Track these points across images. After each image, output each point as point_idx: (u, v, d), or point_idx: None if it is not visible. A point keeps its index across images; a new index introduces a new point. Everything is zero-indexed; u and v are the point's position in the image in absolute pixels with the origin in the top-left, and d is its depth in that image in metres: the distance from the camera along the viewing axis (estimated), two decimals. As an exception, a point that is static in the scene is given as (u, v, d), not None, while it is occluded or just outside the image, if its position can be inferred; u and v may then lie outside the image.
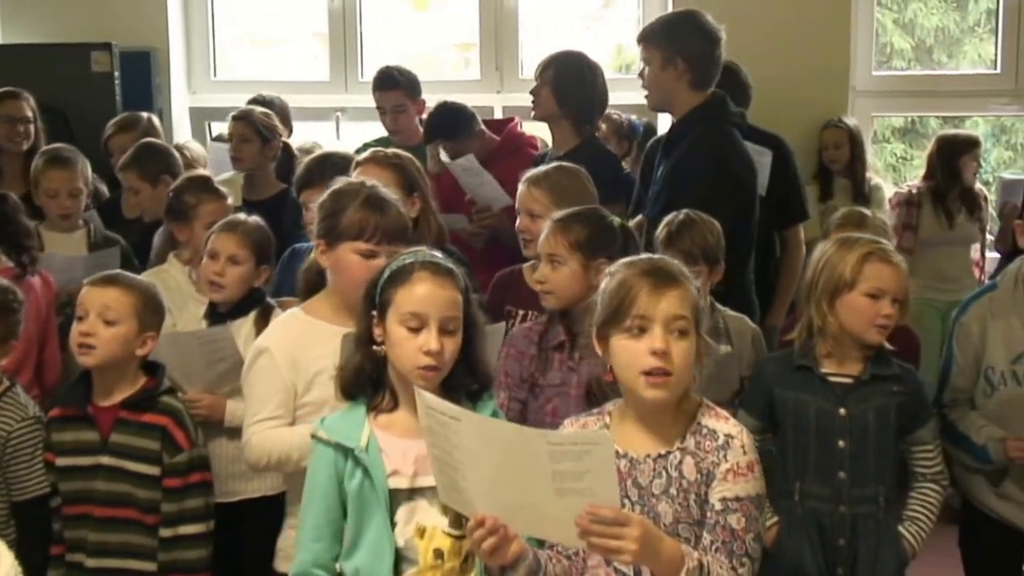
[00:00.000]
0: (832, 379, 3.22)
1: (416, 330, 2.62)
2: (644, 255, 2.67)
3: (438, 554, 2.59)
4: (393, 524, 2.63)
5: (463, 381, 2.75)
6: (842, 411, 3.19)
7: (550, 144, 5.24)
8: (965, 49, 9.22)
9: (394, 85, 5.79)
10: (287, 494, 3.26)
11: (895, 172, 9.72)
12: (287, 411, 3.11)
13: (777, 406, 3.23)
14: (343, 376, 2.76)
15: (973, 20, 9.01)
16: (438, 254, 2.77)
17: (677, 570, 2.31)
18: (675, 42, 4.41)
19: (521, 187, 3.99)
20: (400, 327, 2.64)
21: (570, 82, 4.98)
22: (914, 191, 6.32)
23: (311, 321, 3.18)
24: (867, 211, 3.93)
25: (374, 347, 2.70)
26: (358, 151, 4.79)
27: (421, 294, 2.64)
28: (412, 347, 2.62)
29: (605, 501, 2.20)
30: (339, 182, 3.28)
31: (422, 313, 2.62)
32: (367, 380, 2.73)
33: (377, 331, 2.69)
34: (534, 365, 3.33)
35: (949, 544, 3.83)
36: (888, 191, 6.64)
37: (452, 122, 5.40)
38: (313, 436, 2.73)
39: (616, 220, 3.44)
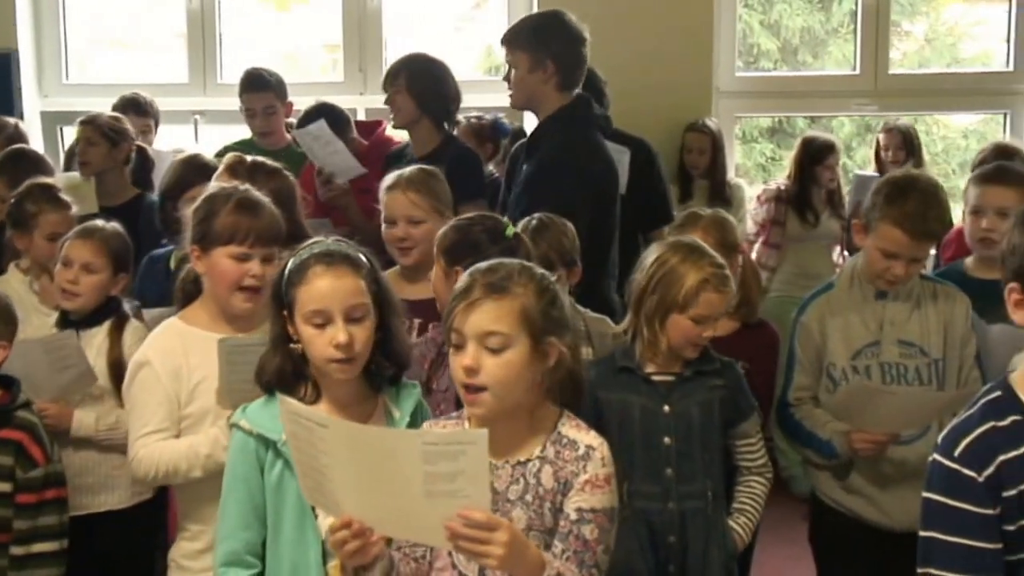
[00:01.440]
0: (655, 378, 3.23)
1: (322, 326, 2.61)
2: (495, 261, 2.60)
3: None
4: (314, 515, 2.62)
5: (381, 366, 2.75)
6: (666, 408, 3.19)
7: None
8: (830, 50, 9.40)
9: (265, 86, 5.75)
10: (179, 506, 3.23)
11: (764, 172, 9.88)
12: (172, 423, 3.10)
13: (602, 409, 3.22)
14: (264, 377, 2.73)
15: (837, 21, 9.20)
16: (340, 241, 2.75)
17: None
18: (544, 44, 4.39)
19: (393, 193, 3.90)
20: (307, 326, 2.63)
21: (426, 83, 4.95)
22: (782, 187, 6.40)
23: (189, 330, 3.16)
24: (703, 211, 3.94)
25: (291, 345, 2.69)
26: (218, 155, 4.74)
27: (319, 290, 2.62)
28: (322, 343, 2.61)
29: (476, 503, 2.20)
30: (212, 187, 3.26)
31: (323, 309, 2.61)
32: (288, 377, 2.71)
33: (291, 329, 2.68)
34: (432, 369, 3.32)
35: (801, 539, 3.91)
36: (752, 191, 6.73)
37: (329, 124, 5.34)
38: (234, 425, 2.71)
39: (509, 230, 3.37)
